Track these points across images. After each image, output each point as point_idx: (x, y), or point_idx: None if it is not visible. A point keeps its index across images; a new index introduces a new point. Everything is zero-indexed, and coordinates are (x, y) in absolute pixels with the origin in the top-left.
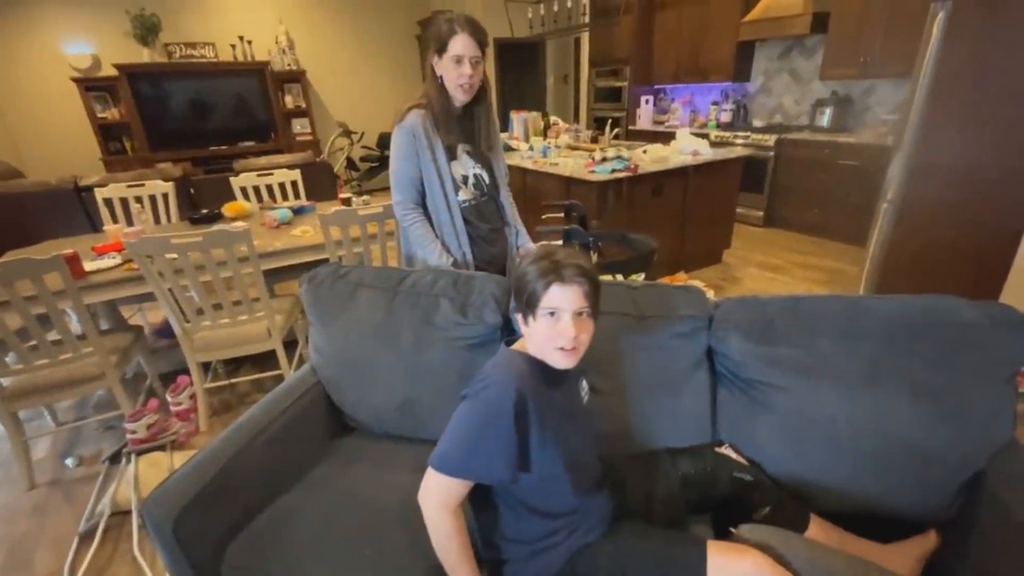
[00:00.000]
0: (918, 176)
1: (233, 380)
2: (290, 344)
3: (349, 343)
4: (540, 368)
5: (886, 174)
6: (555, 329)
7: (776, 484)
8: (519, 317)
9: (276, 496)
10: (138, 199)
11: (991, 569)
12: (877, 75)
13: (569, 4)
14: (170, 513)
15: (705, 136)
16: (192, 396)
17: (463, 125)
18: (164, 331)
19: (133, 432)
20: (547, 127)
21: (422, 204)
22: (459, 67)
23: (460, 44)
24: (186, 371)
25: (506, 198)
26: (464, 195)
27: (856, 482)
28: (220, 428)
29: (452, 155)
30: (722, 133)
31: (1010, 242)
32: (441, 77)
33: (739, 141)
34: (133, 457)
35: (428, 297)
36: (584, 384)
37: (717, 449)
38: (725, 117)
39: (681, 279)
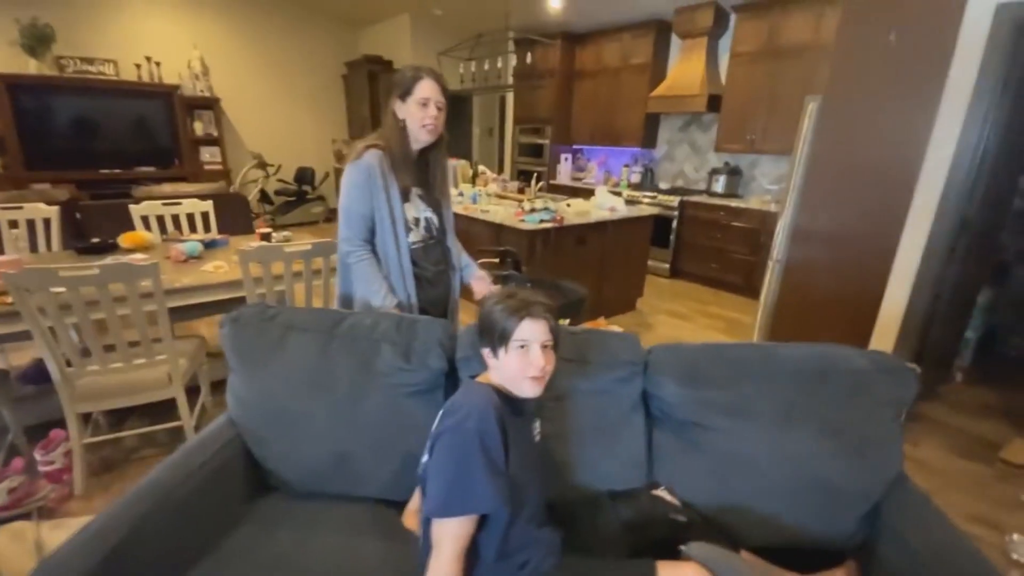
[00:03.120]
0: (798, 239)
1: (119, 433)
2: (191, 391)
3: (276, 391)
4: (507, 400)
5: (773, 236)
6: (526, 360)
7: (707, 523)
8: (487, 352)
9: (186, 572)
10: (13, 223)
11: None
12: (761, 150)
13: (499, 64)
14: None
15: (619, 194)
16: (67, 453)
17: (419, 169)
18: (32, 375)
19: None
20: (475, 175)
21: (370, 242)
22: (425, 109)
23: (427, 88)
24: (59, 423)
25: (453, 242)
26: (414, 237)
27: (777, 515)
28: (100, 491)
29: (406, 197)
30: (633, 192)
31: (875, 298)
32: (404, 120)
33: (647, 200)
34: None
35: (368, 342)
36: (537, 425)
37: (653, 492)
38: (635, 178)
39: (603, 324)
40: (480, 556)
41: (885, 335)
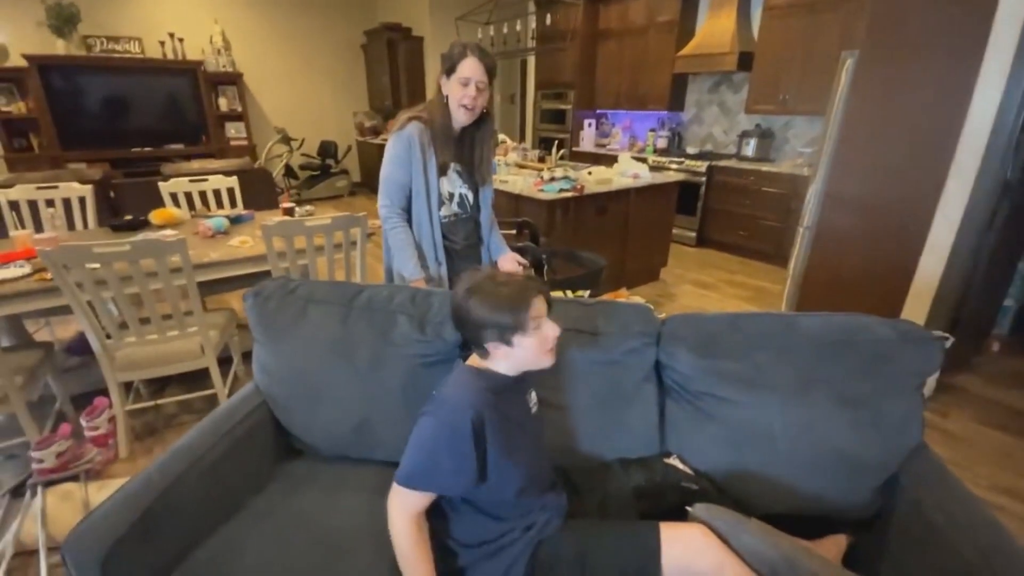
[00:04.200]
0: (830, 206)
1: (158, 401)
2: (223, 361)
3: (299, 361)
4: (495, 383)
5: (804, 202)
6: (542, 336)
7: (720, 491)
8: (492, 345)
9: (216, 527)
10: (50, 202)
11: (908, 562)
12: (794, 111)
13: (518, 28)
14: (97, 552)
15: (644, 160)
16: (111, 419)
17: (460, 145)
18: (76, 347)
19: (40, 461)
20: (495, 144)
21: (407, 211)
22: (465, 88)
23: (469, 67)
24: (102, 392)
25: (487, 219)
26: (446, 210)
27: (791, 484)
28: (142, 454)
29: (443, 171)
30: (659, 158)
31: (908, 267)
32: (447, 96)
33: (674, 166)
34: (40, 489)
35: (385, 313)
36: (533, 395)
37: (665, 460)
38: (661, 143)
39: (623, 295)
40: (467, 505)
41: (918, 304)
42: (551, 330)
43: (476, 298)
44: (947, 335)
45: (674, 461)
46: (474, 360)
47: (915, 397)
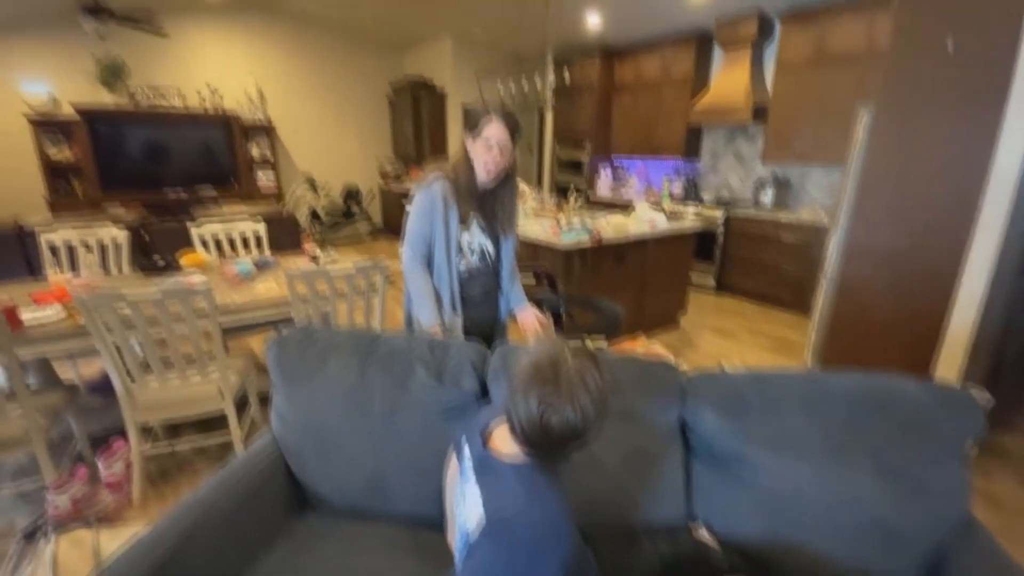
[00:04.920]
0: (853, 256)
1: (174, 445)
2: (240, 404)
3: (316, 411)
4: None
5: (825, 251)
6: None
7: (752, 566)
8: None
9: None
10: (87, 245)
11: None
12: (811, 161)
13: (537, 83)
14: None
15: (660, 207)
16: (127, 463)
17: (482, 201)
18: (99, 386)
19: (56, 506)
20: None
21: (429, 262)
22: (488, 151)
23: (493, 130)
24: (121, 432)
25: (507, 270)
26: (465, 262)
27: (828, 558)
28: (155, 500)
29: (465, 225)
30: (675, 205)
31: (938, 319)
32: (471, 156)
33: (690, 213)
34: (52, 535)
35: (403, 362)
36: None
37: (692, 530)
38: (677, 190)
39: (642, 342)
40: None
41: (952, 358)
42: None
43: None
44: (985, 392)
45: (702, 533)
46: (506, 443)
47: (958, 465)
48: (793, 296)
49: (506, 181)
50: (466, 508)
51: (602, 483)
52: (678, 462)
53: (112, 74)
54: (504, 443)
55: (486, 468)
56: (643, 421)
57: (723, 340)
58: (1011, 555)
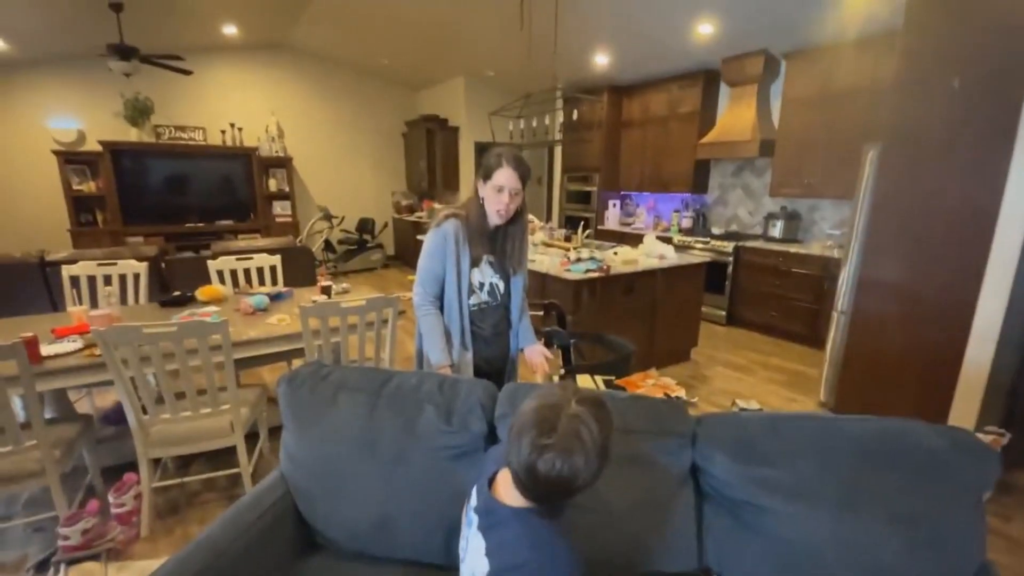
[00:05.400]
0: (865, 290)
1: (184, 479)
2: (250, 436)
3: (325, 450)
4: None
5: (837, 285)
6: None
7: None
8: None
9: None
10: (107, 278)
11: None
12: (820, 195)
13: (547, 121)
14: None
15: (669, 240)
16: (137, 496)
17: (493, 239)
18: (113, 417)
19: (66, 539)
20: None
21: (439, 299)
22: (499, 195)
23: (503, 176)
24: (132, 466)
25: (517, 306)
26: (476, 299)
27: None
28: (163, 533)
29: (476, 263)
30: (685, 238)
31: (954, 354)
32: (483, 199)
33: (699, 246)
34: (63, 568)
35: (412, 402)
36: None
37: None
38: (686, 223)
39: (652, 376)
40: None
41: (969, 393)
42: None
43: (592, 455)
44: (1002, 431)
45: None
46: (508, 489)
47: (975, 513)
48: (806, 329)
49: (516, 220)
50: (470, 556)
51: (611, 530)
52: (690, 508)
53: (138, 112)
54: (507, 488)
55: (491, 514)
56: (654, 465)
57: (736, 374)
58: None
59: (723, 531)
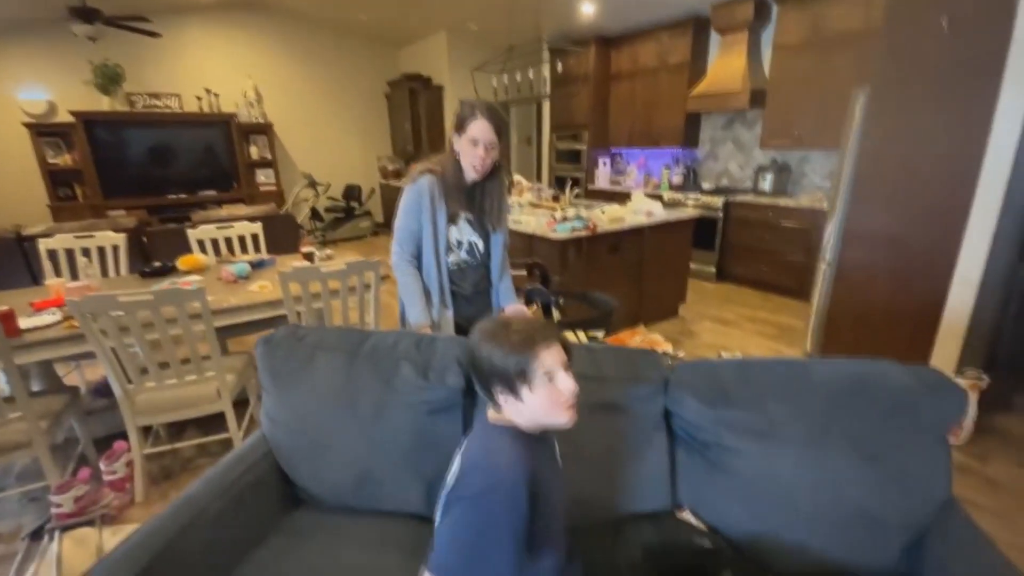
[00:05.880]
0: (851, 241)
1: (176, 445)
2: (240, 403)
3: (304, 410)
4: (530, 441)
5: (824, 236)
6: (556, 391)
7: (735, 549)
8: (503, 397)
9: None
10: (86, 251)
11: None
12: (810, 146)
13: (531, 75)
14: None
15: (659, 197)
16: (129, 463)
17: (471, 196)
18: (102, 389)
19: (59, 506)
20: (511, 185)
21: (417, 258)
22: (474, 149)
23: (478, 128)
24: (124, 435)
25: (497, 265)
26: (454, 258)
27: (811, 543)
28: (158, 498)
29: (453, 221)
30: (674, 194)
31: (937, 302)
32: (458, 153)
33: (690, 202)
34: (57, 534)
35: (389, 360)
36: (556, 446)
37: (677, 515)
38: (676, 179)
39: (640, 332)
40: None
41: (951, 340)
42: (565, 385)
43: (488, 344)
44: (981, 375)
45: (686, 516)
46: (495, 415)
47: (940, 450)
48: (794, 282)
49: (494, 175)
50: (453, 465)
51: (587, 474)
52: (663, 451)
53: (109, 79)
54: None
55: (472, 427)
56: (628, 411)
57: (724, 329)
58: (995, 535)
59: (694, 471)
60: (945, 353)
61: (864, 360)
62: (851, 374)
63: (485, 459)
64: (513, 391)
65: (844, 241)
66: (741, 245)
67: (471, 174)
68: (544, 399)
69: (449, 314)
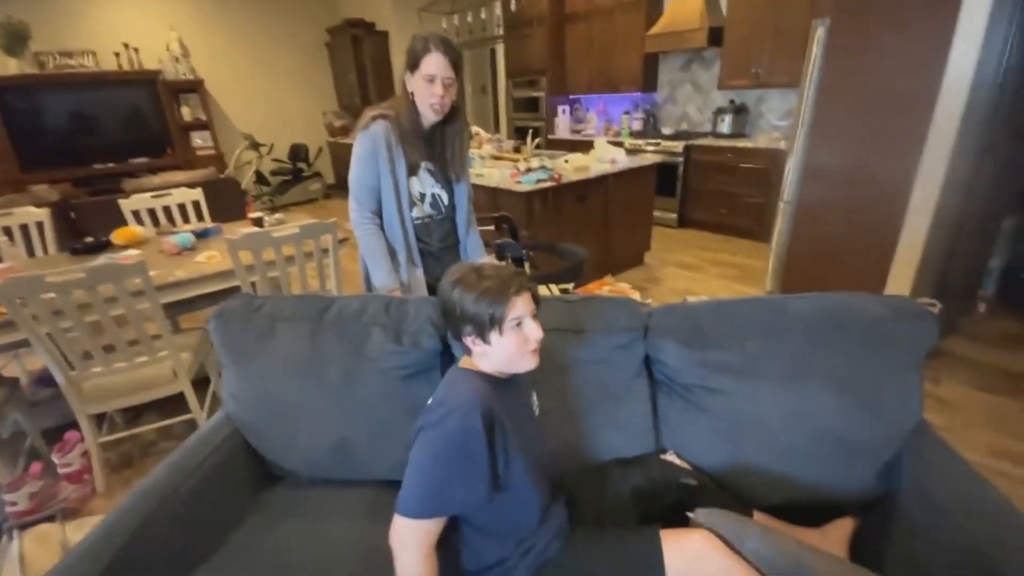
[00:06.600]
0: (810, 178)
1: (134, 430)
2: (201, 382)
3: (269, 384)
4: (496, 384)
5: (783, 176)
6: (522, 337)
7: (719, 486)
8: (470, 340)
9: (195, 569)
10: (7, 230)
11: (915, 544)
12: (768, 85)
13: (483, 15)
14: None
15: (620, 144)
16: (84, 454)
17: (430, 143)
18: (46, 378)
19: (14, 504)
20: (469, 137)
21: (379, 215)
22: (431, 87)
23: (433, 63)
24: (76, 425)
25: (463, 218)
26: (418, 212)
27: (790, 474)
28: (121, 487)
29: (413, 171)
30: (635, 141)
31: (891, 235)
32: (412, 94)
33: (651, 148)
34: (16, 533)
35: (357, 326)
36: (534, 397)
37: (662, 456)
38: (637, 126)
39: (608, 283)
40: (472, 528)
41: (904, 271)
42: (532, 331)
43: (459, 289)
44: (934, 302)
45: (671, 457)
46: (465, 361)
47: (913, 375)
48: (755, 224)
49: (453, 118)
50: None
51: (570, 426)
52: (645, 397)
53: (14, 39)
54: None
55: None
56: (608, 360)
57: (688, 273)
58: (959, 453)
59: (676, 415)
60: (899, 282)
61: (839, 293)
62: (826, 307)
63: (444, 393)
64: (482, 335)
65: (803, 179)
66: (702, 189)
67: (430, 116)
68: (511, 344)
69: (419, 272)
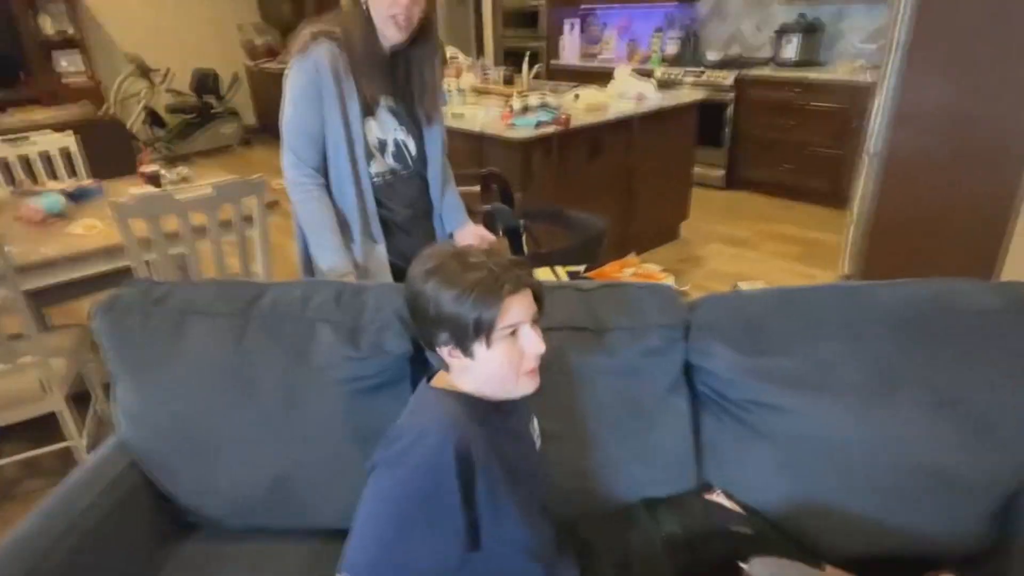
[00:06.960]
0: (903, 123)
1: None
2: (81, 397)
3: (179, 402)
4: (480, 408)
5: (867, 120)
6: (516, 350)
7: (781, 533)
8: (447, 351)
9: None
10: None
11: None
12: None
13: None
14: None
15: (649, 74)
16: None
17: (391, 72)
18: None
19: None
20: (443, 64)
21: (323, 172)
22: None
23: None
24: None
25: (437, 174)
26: (378, 167)
27: (872, 517)
28: None
29: (369, 111)
30: (670, 70)
31: (1008, 202)
32: (366, 5)
33: (690, 80)
34: None
35: (299, 322)
36: (535, 424)
37: (705, 496)
38: (672, 48)
39: (632, 264)
40: None
41: (1020, 263)
42: (531, 345)
43: (434, 282)
44: None
45: (718, 497)
46: (440, 378)
47: None
48: (827, 184)
49: (422, 39)
50: None
51: (586, 458)
52: (683, 417)
53: None
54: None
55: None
56: (636, 371)
57: (737, 251)
58: None
59: (725, 441)
60: (1016, 265)
61: (940, 280)
62: (924, 299)
63: (409, 420)
64: (462, 346)
65: (895, 124)
66: (758, 137)
67: (391, 34)
68: (501, 360)
69: (380, 250)
